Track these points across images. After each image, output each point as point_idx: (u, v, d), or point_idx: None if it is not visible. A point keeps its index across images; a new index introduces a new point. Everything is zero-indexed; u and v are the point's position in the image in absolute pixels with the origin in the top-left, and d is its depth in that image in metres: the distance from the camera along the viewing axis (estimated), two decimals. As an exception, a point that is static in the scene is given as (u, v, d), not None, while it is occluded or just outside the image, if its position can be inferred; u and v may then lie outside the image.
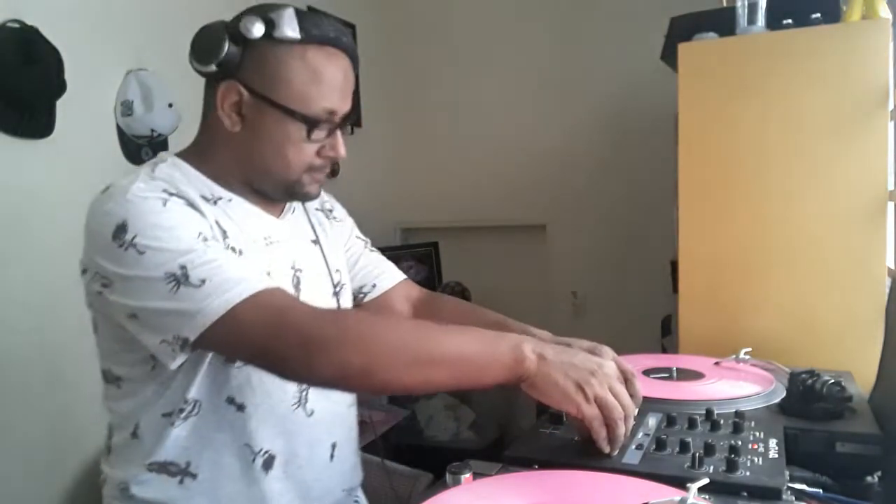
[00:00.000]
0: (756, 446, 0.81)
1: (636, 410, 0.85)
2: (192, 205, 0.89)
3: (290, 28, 0.88)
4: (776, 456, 0.78)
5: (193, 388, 0.91)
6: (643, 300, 2.71)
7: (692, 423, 0.88)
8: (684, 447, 0.80)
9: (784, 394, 0.98)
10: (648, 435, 0.86)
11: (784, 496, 0.70)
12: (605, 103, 2.89)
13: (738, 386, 1.05)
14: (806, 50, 1.39)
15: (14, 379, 1.67)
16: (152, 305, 0.82)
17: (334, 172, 1.00)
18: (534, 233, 3.11)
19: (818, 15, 1.42)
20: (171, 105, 1.95)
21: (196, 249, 0.83)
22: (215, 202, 0.94)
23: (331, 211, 1.17)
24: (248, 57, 0.90)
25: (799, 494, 0.76)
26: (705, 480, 0.66)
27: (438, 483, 0.75)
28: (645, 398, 0.94)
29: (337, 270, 1.10)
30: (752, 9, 1.44)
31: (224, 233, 0.91)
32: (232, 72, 0.90)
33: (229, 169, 0.96)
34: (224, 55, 0.88)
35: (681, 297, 1.51)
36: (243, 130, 0.93)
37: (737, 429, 0.86)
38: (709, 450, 0.79)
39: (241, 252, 0.92)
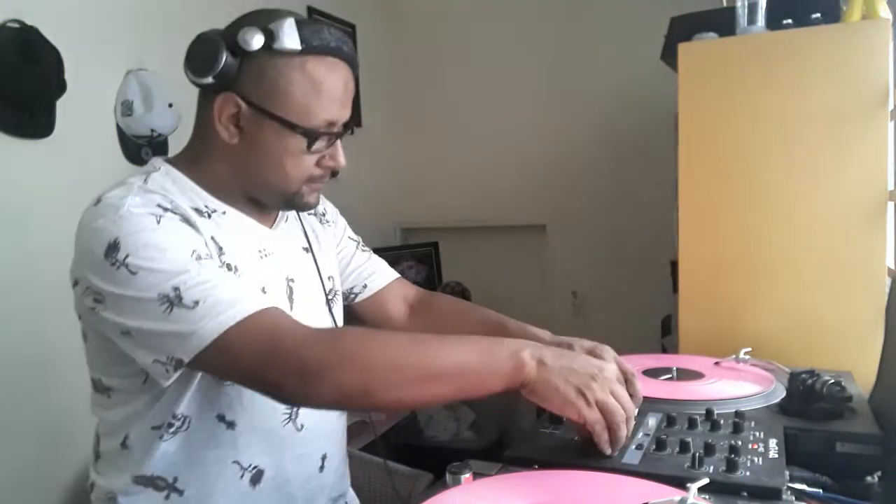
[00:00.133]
0: (756, 446, 0.81)
1: (636, 411, 0.84)
2: (186, 220, 0.87)
3: (290, 39, 0.86)
4: (776, 456, 0.78)
5: (183, 404, 0.89)
6: (643, 300, 2.71)
7: (692, 423, 0.88)
8: (684, 447, 0.80)
9: (784, 394, 0.98)
10: (648, 435, 0.86)
11: (784, 496, 0.70)
12: (605, 103, 2.89)
13: (738, 386, 1.05)
14: (806, 50, 1.39)
15: (13, 379, 1.67)
16: (146, 326, 0.80)
17: (334, 174, 0.99)
18: (534, 233, 3.11)
19: (818, 15, 1.43)
20: (171, 105, 1.94)
21: (189, 270, 0.80)
22: (209, 215, 0.92)
23: (324, 214, 1.16)
24: (247, 69, 0.87)
25: (799, 494, 0.76)
26: (705, 480, 0.66)
27: (438, 483, 0.75)
28: (645, 398, 0.94)
29: (329, 277, 1.09)
30: (752, 9, 1.44)
31: (220, 249, 0.90)
32: (229, 84, 0.88)
33: (225, 179, 0.94)
34: (221, 67, 0.86)
35: (681, 297, 1.51)
36: (241, 142, 0.91)
37: (737, 429, 0.86)
38: (709, 450, 0.79)
39: (236, 268, 0.90)
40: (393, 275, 1.22)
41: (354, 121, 0.98)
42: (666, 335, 2.34)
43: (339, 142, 0.94)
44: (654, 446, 0.82)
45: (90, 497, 0.98)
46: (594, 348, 0.97)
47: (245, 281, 0.90)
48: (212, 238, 0.89)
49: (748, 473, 0.73)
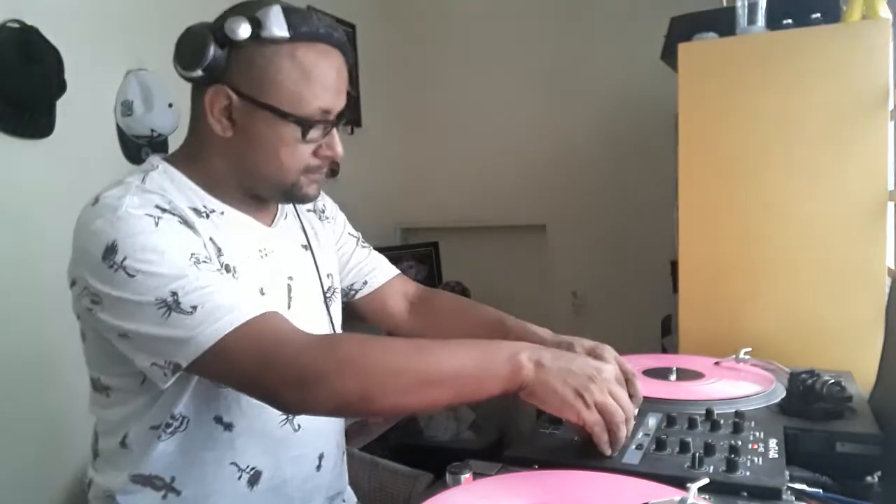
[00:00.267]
0: (756, 446, 0.81)
1: (636, 411, 0.84)
2: (185, 222, 0.86)
3: (277, 27, 0.84)
4: (776, 456, 0.78)
5: (181, 404, 0.89)
6: (643, 300, 2.71)
7: (692, 423, 0.88)
8: (684, 447, 0.80)
9: (784, 394, 0.98)
10: (648, 435, 0.86)
11: (784, 496, 0.70)
12: (605, 103, 2.89)
13: (738, 386, 1.05)
14: (806, 50, 1.39)
15: (13, 379, 1.67)
16: (143, 330, 0.79)
17: (334, 172, 0.99)
18: (534, 233, 3.11)
19: (818, 15, 1.43)
20: (171, 105, 1.95)
21: (187, 275, 0.80)
22: (208, 215, 0.91)
23: (323, 211, 1.15)
24: (235, 59, 0.86)
25: (799, 494, 0.76)
26: (705, 480, 0.66)
27: (438, 483, 0.75)
28: (645, 398, 0.94)
29: (328, 275, 1.08)
30: (752, 9, 1.44)
31: (219, 250, 0.89)
32: (219, 76, 0.87)
33: (222, 175, 0.93)
34: (209, 59, 0.85)
35: (681, 297, 1.51)
36: (235, 135, 0.90)
37: (737, 429, 0.86)
38: (709, 450, 0.78)
39: (234, 269, 0.90)
40: (393, 271, 1.22)
41: (352, 118, 0.97)
42: (666, 335, 2.34)
43: (335, 131, 0.93)
44: (654, 446, 0.82)
45: (87, 495, 0.98)
46: (594, 348, 0.97)
47: (244, 283, 0.90)
48: (210, 239, 0.89)
49: (748, 473, 0.73)
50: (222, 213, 0.93)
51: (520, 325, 1.08)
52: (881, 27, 1.34)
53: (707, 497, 0.67)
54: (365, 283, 1.18)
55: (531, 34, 3.01)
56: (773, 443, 0.82)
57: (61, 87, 1.72)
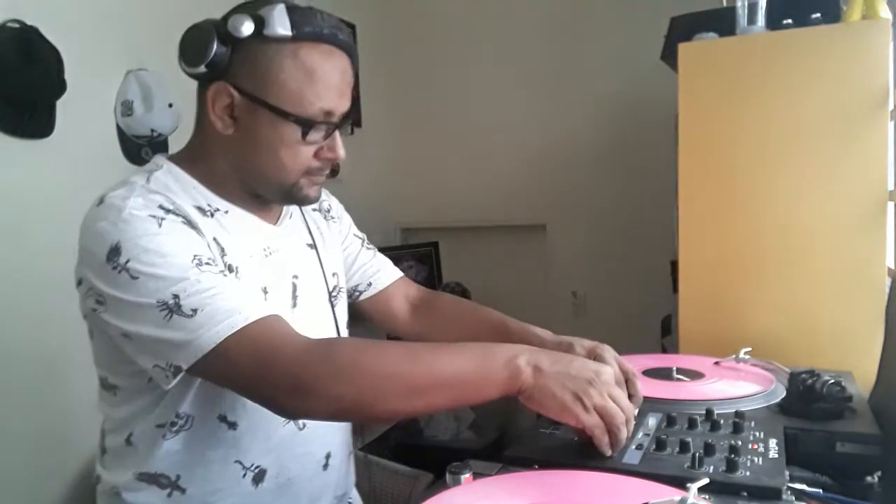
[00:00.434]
0: (756, 446, 0.81)
1: (637, 411, 0.84)
2: (188, 222, 0.86)
3: (280, 25, 0.84)
4: (776, 456, 0.78)
5: (186, 404, 0.89)
6: (643, 300, 2.71)
7: (692, 423, 0.88)
8: (684, 447, 0.80)
9: (784, 394, 0.98)
10: (648, 435, 0.86)
11: (784, 496, 0.70)
12: (605, 103, 2.89)
13: (738, 386, 1.05)
14: (806, 50, 1.39)
15: (12, 378, 1.67)
16: (145, 332, 0.80)
17: (334, 172, 0.98)
18: (534, 233, 3.11)
19: (818, 15, 1.42)
20: (171, 105, 1.95)
21: (189, 277, 0.80)
22: (212, 214, 0.91)
23: (328, 210, 1.15)
24: (238, 57, 0.86)
25: (799, 494, 0.76)
26: (705, 480, 0.66)
27: (438, 483, 0.75)
28: (645, 398, 0.94)
29: (333, 274, 1.08)
30: (752, 9, 1.44)
31: (222, 250, 0.89)
32: (222, 73, 0.87)
33: (225, 173, 0.93)
34: (212, 56, 0.85)
35: (681, 297, 1.51)
36: (236, 133, 0.89)
37: (737, 429, 0.86)
38: (709, 450, 0.78)
39: (237, 269, 0.90)
40: (397, 273, 1.22)
41: (354, 119, 0.97)
42: (666, 335, 2.34)
43: (337, 133, 0.92)
44: (654, 446, 0.82)
45: (96, 489, 0.99)
46: (594, 348, 0.97)
47: (246, 285, 0.90)
48: (214, 239, 0.89)
49: (748, 473, 0.73)
50: (227, 211, 0.93)
51: (521, 327, 1.08)
52: (881, 27, 1.34)
53: (707, 497, 0.67)
54: (369, 284, 1.18)
55: (531, 34, 3.01)
56: (773, 443, 0.82)
57: (61, 87, 1.72)
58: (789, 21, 1.44)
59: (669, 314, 2.24)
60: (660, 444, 0.81)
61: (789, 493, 0.72)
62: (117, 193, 0.85)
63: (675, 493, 0.66)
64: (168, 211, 0.85)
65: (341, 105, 0.91)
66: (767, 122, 1.42)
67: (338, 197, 1.22)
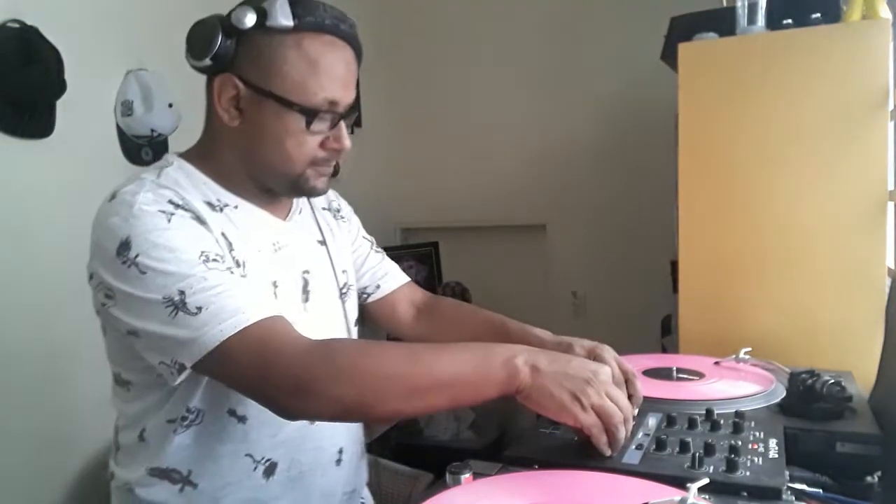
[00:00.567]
0: (756, 446, 0.81)
1: (636, 411, 0.84)
2: (197, 217, 0.87)
3: (282, 16, 0.86)
4: (776, 456, 0.78)
5: (196, 398, 0.90)
6: (643, 300, 2.71)
7: (692, 423, 0.88)
8: (684, 447, 0.80)
9: (784, 394, 0.98)
10: (648, 435, 0.86)
11: (784, 496, 0.70)
12: (605, 103, 2.89)
13: (738, 386, 1.05)
14: (806, 50, 1.39)
15: (12, 378, 1.67)
16: (151, 328, 0.81)
17: (335, 172, 0.99)
18: (534, 233, 3.11)
19: (818, 15, 1.42)
20: (171, 105, 1.95)
21: (195, 274, 0.81)
22: (221, 209, 0.92)
23: (338, 210, 1.16)
24: (243, 49, 0.88)
25: (799, 494, 0.76)
26: (705, 480, 0.66)
27: (438, 483, 0.75)
28: (645, 398, 0.94)
29: (343, 271, 1.10)
30: (752, 9, 1.44)
31: (230, 245, 0.90)
32: (227, 65, 0.88)
33: (233, 167, 0.94)
34: (217, 48, 0.86)
35: (681, 297, 1.51)
36: (242, 124, 0.91)
37: (737, 429, 0.86)
38: (709, 450, 0.78)
39: (244, 264, 0.91)
40: (404, 278, 1.24)
41: (354, 119, 0.97)
42: (666, 335, 2.34)
43: (342, 124, 0.93)
44: (654, 446, 0.82)
45: (110, 485, 1.00)
46: (594, 348, 0.97)
47: (254, 280, 0.91)
48: (222, 234, 0.90)
49: (748, 473, 0.73)
50: (236, 206, 0.94)
51: (520, 328, 1.08)
52: (881, 27, 1.34)
53: (707, 497, 0.67)
54: (378, 287, 1.19)
55: (531, 34, 3.01)
56: (773, 443, 0.82)
57: (61, 87, 1.71)
58: (789, 21, 1.44)
59: (669, 314, 2.24)
60: (660, 444, 0.81)
61: (789, 493, 0.72)
62: (128, 189, 0.87)
63: (675, 493, 0.66)
64: (177, 206, 0.86)
65: (346, 96, 0.92)
66: (767, 122, 1.42)
67: (337, 196, 1.22)
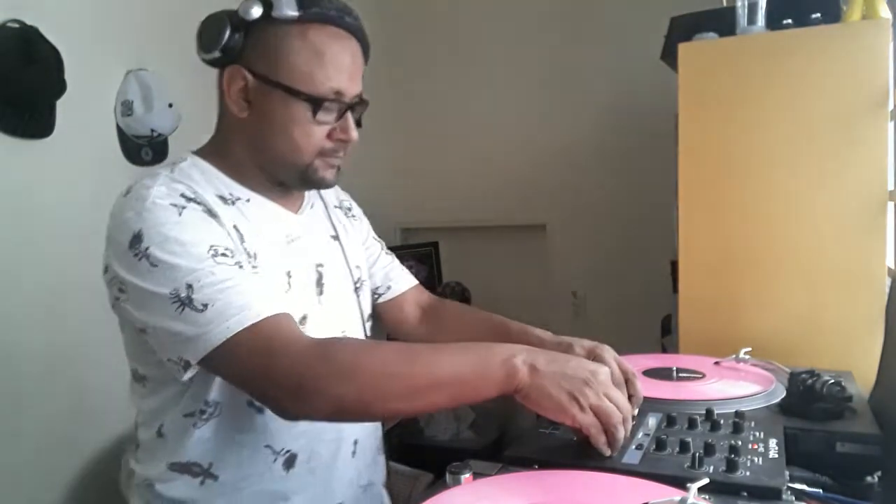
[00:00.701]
0: (756, 446, 0.81)
1: (636, 411, 0.84)
2: (209, 211, 0.88)
3: (287, 6, 0.87)
4: (776, 456, 0.78)
5: (213, 392, 0.91)
6: (643, 300, 2.71)
7: (692, 423, 0.88)
8: (684, 447, 0.80)
9: (784, 394, 0.98)
10: (648, 435, 0.86)
11: (784, 496, 0.70)
12: (605, 103, 2.89)
13: (738, 386, 1.05)
14: (806, 50, 1.39)
15: (12, 378, 1.67)
16: (159, 324, 0.82)
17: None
18: (534, 233, 3.11)
19: (818, 15, 1.43)
20: (171, 105, 1.95)
21: (203, 268, 0.82)
22: (234, 203, 0.93)
23: (349, 209, 1.18)
24: (251, 41, 0.90)
25: (799, 494, 0.76)
26: (705, 480, 0.66)
27: (438, 483, 0.75)
28: (645, 398, 0.94)
29: (357, 267, 1.11)
30: (752, 9, 1.44)
31: (241, 237, 0.91)
32: (235, 57, 0.90)
33: (245, 161, 0.95)
34: (226, 41, 0.88)
35: (681, 297, 1.51)
36: (251, 115, 0.92)
37: (737, 429, 0.86)
38: (709, 450, 0.78)
39: (255, 255, 0.91)
40: (413, 280, 1.25)
41: (366, 105, 0.98)
42: (666, 335, 2.34)
43: (349, 114, 0.94)
44: (654, 446, 0.82)
45: (130, 482, 1.01)
46: (594, 348, 0.97)
47: (265, 274, 0.91)
48: (234, 227, 0.90)
49: (748, 473, 0.73)
50: (248, 200, 0.95)
51: (521, 328, 1.09)
52: (881, 27, 1.34)
53: (707, 497, 0.67)
54: (388, 287, 1.20)
55: (531, 34, 3.01)
56: (773, 443, 0.82)
57: (61, 87, 1.72)
58: (789, 21, 1.44)
59: (669, 314, 2.24)
60: (660, 444, 0.81)
61: (789, 493, 0.72)
62: (143, 183, 0.88)
63: (675, 493, 0.66)
64: (189, 199, 0.87)
65: (351, 87, 0.93)
66: (767, 121, 1.42)
67: (338, 196, 1.22)
